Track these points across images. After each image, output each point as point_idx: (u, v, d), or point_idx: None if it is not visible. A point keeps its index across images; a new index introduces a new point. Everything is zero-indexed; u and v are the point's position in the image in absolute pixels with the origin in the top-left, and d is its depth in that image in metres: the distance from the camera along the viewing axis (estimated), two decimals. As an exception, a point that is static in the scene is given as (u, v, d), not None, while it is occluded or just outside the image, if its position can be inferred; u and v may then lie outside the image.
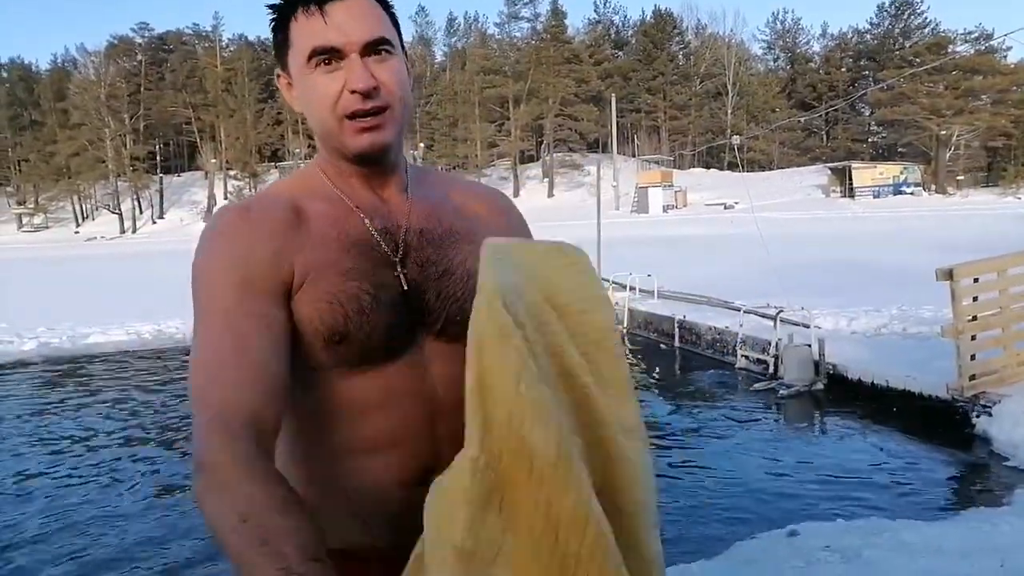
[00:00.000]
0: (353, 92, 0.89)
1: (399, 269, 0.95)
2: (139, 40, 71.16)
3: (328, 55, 0.90)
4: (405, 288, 0.95)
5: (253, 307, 0.86)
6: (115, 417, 7.15)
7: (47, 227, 66.52)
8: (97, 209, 66.47)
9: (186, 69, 67.68)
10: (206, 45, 69.08)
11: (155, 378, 8.82)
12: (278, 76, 0.99)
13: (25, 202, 68.97)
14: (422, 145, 60.56)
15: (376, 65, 0.91)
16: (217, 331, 0.85)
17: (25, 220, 67.73)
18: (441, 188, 1.06)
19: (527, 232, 1.11)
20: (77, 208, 66.53)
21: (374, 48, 0.91)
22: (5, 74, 70.96)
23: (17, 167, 67.87)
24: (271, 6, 0.95)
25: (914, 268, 9.10)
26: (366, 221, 0.96)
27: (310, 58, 0.90)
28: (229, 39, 71.02)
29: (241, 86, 62.37)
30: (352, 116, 0.91)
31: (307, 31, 0.90)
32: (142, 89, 65.15)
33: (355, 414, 0.94)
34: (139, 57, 68.21)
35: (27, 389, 8.63)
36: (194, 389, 0.84)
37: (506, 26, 69.19)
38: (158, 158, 67.35)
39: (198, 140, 66.20)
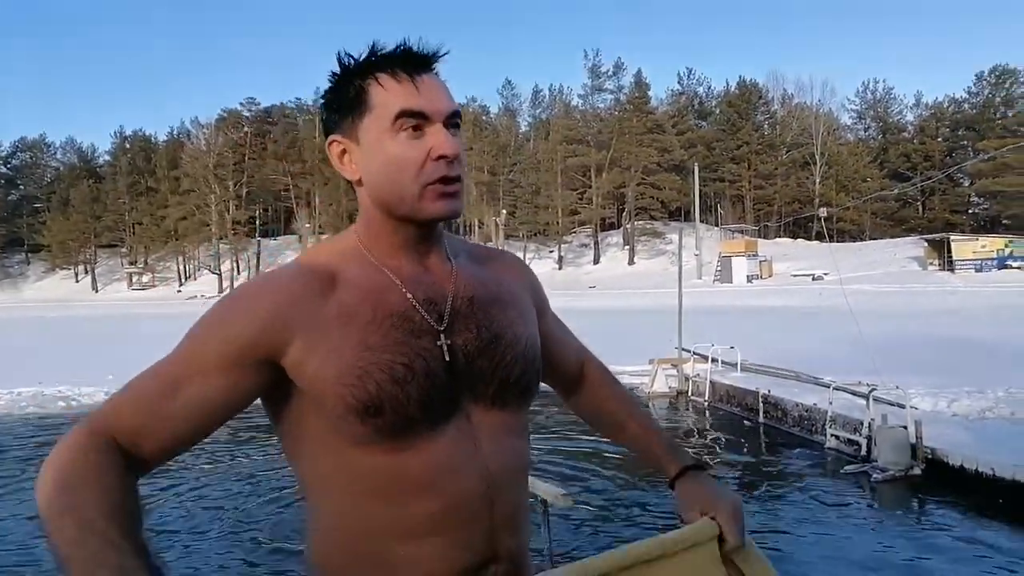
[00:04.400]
0: (439, 158, 0.92)
1: (443, 339, 0.94)
2: (246, 113, 76.71)
3: (417, 119, 0.92)
4: (447, 359, 0.93)
5: (209, 378, 0.87)
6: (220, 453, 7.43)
7: (153, 285, 71.52)
8: (199, 269, 70.86)
9: (287, 140, 72.48)
10: (307, 118, 73.48)
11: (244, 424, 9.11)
12: (332, 142, 0.97)
13: (136, 262, 74.61)
14: (504, 212, 61.89)
15: (453, 138, 0.94)
16: (164, 373, 0.88)
17: (135, 279, 73.05)
18: (471, 254, 1.08)
19: (543, 293, 1.15)
20: (181, 268, 71.28)
21: (452, 120, 0.94)
22: (128, 145, 77.82)
23: (132, 229, 73.73)
24: (346, 68, 0.95)
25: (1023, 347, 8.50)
26: (409, 295, 0.94)
27: (396, 119, 0.92)
28: (329, 112, 75.62)
29: (337, 156, 66.29)
30: (434, 183, 0.92)
31: (396, 94, 0.92)
32: (246, 158, 70.01)
33: (399, 493, 0.89)
34: (245, 128, 73.34)
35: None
36: (117, 393, 0.88)
37: (590, 98, 70.71)
38: (257, 222, 71.77)
39: (294, 206, 70.04)
